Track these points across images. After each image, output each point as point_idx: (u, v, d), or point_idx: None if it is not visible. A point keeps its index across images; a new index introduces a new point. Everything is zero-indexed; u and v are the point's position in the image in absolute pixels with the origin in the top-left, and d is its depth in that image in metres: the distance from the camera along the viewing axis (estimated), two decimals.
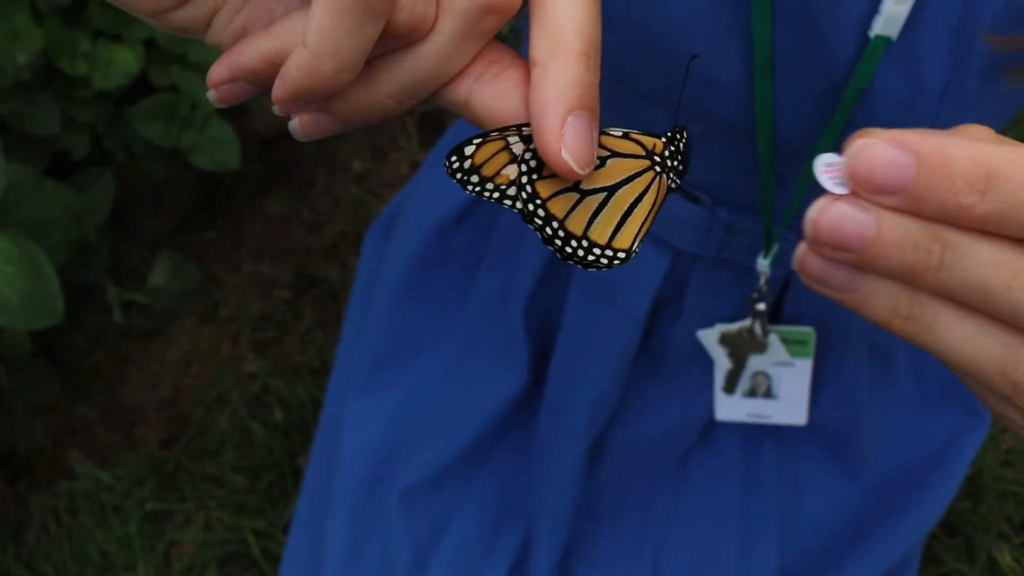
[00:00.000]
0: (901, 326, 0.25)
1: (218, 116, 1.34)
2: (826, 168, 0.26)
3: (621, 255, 0.32)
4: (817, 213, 0.25)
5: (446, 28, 0.30)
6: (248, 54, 0.31)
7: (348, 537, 0.79)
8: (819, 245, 0.25)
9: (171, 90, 1.31)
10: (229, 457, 1.39)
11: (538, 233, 0.32)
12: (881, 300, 0.25)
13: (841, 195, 0.25)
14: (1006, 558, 1.21)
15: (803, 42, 0.48)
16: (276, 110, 0.31)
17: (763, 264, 0.62)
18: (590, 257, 0.32)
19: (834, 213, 0.24)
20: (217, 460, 1.40)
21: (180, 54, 1.29)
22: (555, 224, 0.32)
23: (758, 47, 0.48)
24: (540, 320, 0.77)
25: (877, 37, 0.45)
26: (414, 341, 0.83)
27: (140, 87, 1.30)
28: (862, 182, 0.24)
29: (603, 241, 0.32)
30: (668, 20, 0.49)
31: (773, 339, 0.68)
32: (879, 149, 0.24)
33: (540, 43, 0.29)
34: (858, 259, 0.25)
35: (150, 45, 1.27)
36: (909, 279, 0.25)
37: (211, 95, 0.32)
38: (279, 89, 0.29)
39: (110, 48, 1.23)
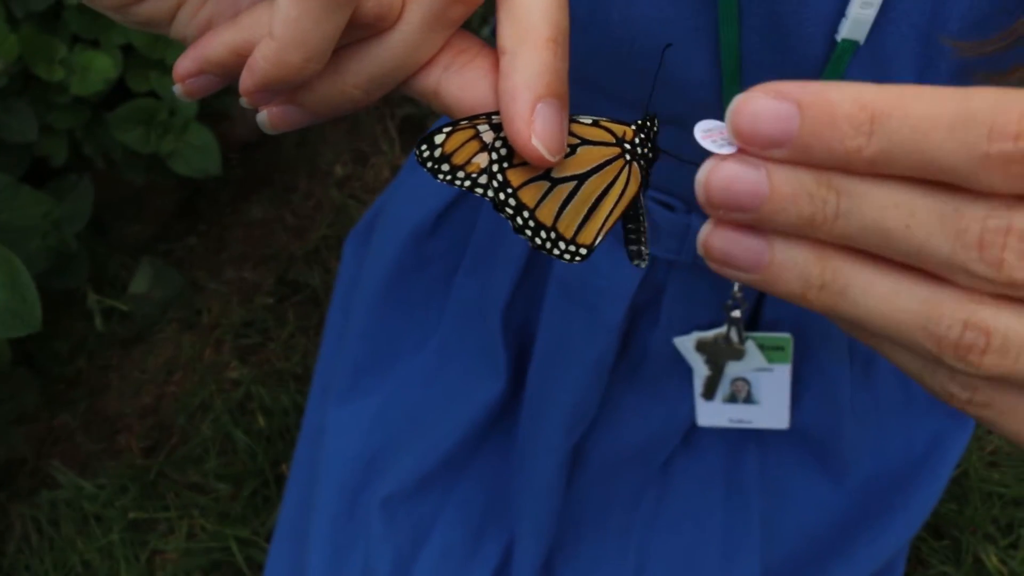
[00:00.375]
0: (816, 297, 0.24)
1: (198, 121, 1.33)
2: (705, 133, 0.25)
3: (583, 251, 0.32)
4: (706, 174, 0.24)
5: (413, 17, 0.29)
6: (214, 46, 0.30)
7: (331, 544, 0.79)
8: (713, 208, 0.24)
9: (150, 95, 1.30)
10: (212, 465, 1.38)
11: (509, 222, 0.32)
12: (791, 274, 0.24)
13: (726, 155, 0.24)
14: (992, 560, 1.21)
15: (771, 46, 0.47)
16: (243, 102, 0.30)
17: None
18: (556, 251, 0.32)
19: (723, 173, 0.24)
20: (200, 468, 1.39)
21: (158, 59, 1.28)
22: (525, 213, 0.31)
23: (726, 51, 0.48)
24: (518, 325, 0.76)
25: (844, 41, 0.45)
26: (393, 347, 0.83)
27: (118, 93, 1.29)
28: (747, 137, 0.23)
29: (569, 234, 0.32)
30: (631, 21, 0.48)
31: (750, 346, 0.67)
32: (761, 102, 0.23)
33: (508, 31, 0.29)
34: (755, 218, 0.24)
35: (128, 50, 1.26)
36: (808, 231, 0.24)
37: (177, 89, 0.32)
38: (246, 80, 0.29)
39: (87, 53, 1.22)
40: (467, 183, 0.32)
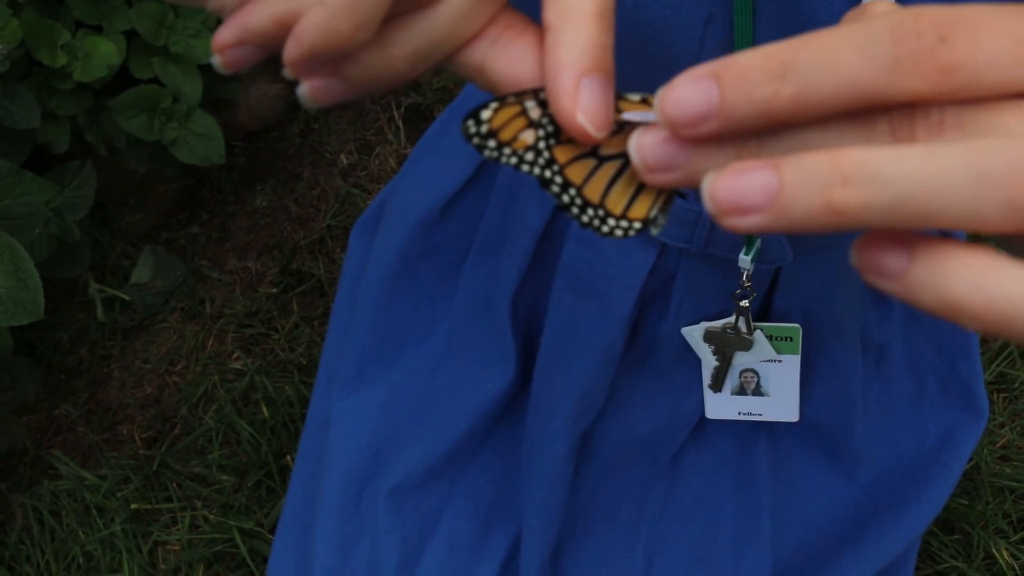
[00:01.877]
0: (844, 197, 0.23)
1: (202, 109, 1.32)
2: (629, 116, 0.28)
3: (637, 225, 0.31)
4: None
5: None
6: (257, 16, 0.30)
7: (336, 536, 0.78)
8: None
9: (153, 82, 1.29)
10: (215, 456, 1.38)
11: (555, 199, 0.31)
12: (807, 186, 0.23)
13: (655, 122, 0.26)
14: (1004, 555, 1.20)
15: (785, 35, 0.47)
16: (286, 73, 0.30)
17: (745, 260, 0.61)
18: (605, 227, 0.31)
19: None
20: (203, 459, 1.38)
21: (162, 45, 1.27)
22: (572, 192, 0.31)
23: (740, 39, 0.47)
24: (527, 314, 0.75)
25: None
26: (401, 337, 0.82)
27: (121, 79, 1.28)
28: (677, 121, 0.24)
29: (618, 210, 0.31)
30: (644, 6, 0.48)
31: (759, 336, 0.66)
32: (681, 87, 0.24)
33: (553, 6, 0.29)
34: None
35: (131, 36, 1.25)
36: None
37: (216, 60, 0.31)
38: (293, 50, 0.28)
39: (90, 39, 1.21)
40: (513, 159, 0.31)
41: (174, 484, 1.37)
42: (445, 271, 0.80)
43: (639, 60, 0.51)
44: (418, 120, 1.66)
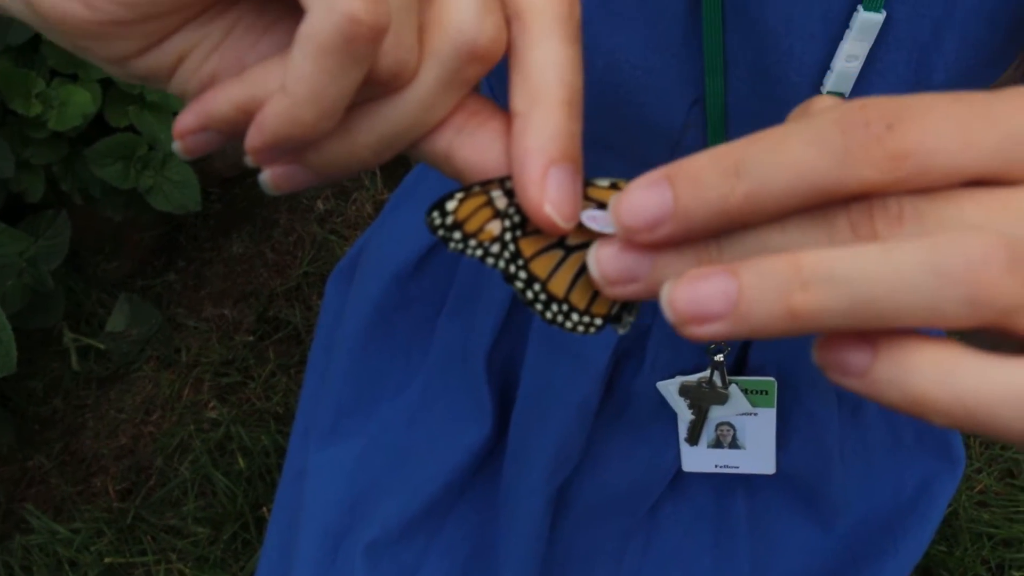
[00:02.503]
0: (805, 301, 0.22)
1: (177, 157, 1.32)
2: (590, 219, 0.27)
3: (598, 322, 0.30)
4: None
5: (428, 76, 0.28)
6: (219, 102, 0.29)
7: None
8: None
9: (128, 130, 1.29)
10: (190, 507, 1.36)
11: (519, 295, 0.30)
12: (766, 292, 0.22)
13: (611, 234, 0.26)
14: None
15: (757, 95, 0.47)
16: (248, 160, 0.29)
17: None
18: (568, 323, 0.30)
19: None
20: (178, 511, 1.37)
21: (137, 94, 1.27)
22: (536, 287, 0.30)
23: (711, 101, 0.47)
24: (502, 368, 0.75)
25: (829, 93, 0.45)
26: (376, 389, 0.81)
27: (97, 128, 1.28)
28: (632, 227, 0.24)
29: (582, 305, 0.30)
30: (616, 68, 0.48)
31: (734, 390, 0.66)
32: (635, 193, 0.24)
33: (520, 93, 0.28)
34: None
35: (107, 84, 1.25)
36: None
37: (177, 146, 0.30)
38: (255, 139, 0.27)
39: (66, 88, 1.21)
40: (479, 252, 0.30)
41: (149, 537, 1.35)
42: (420, 324, 0.80)
43: (612, 122, 0.51)
44: (395, 166, 1.66)
